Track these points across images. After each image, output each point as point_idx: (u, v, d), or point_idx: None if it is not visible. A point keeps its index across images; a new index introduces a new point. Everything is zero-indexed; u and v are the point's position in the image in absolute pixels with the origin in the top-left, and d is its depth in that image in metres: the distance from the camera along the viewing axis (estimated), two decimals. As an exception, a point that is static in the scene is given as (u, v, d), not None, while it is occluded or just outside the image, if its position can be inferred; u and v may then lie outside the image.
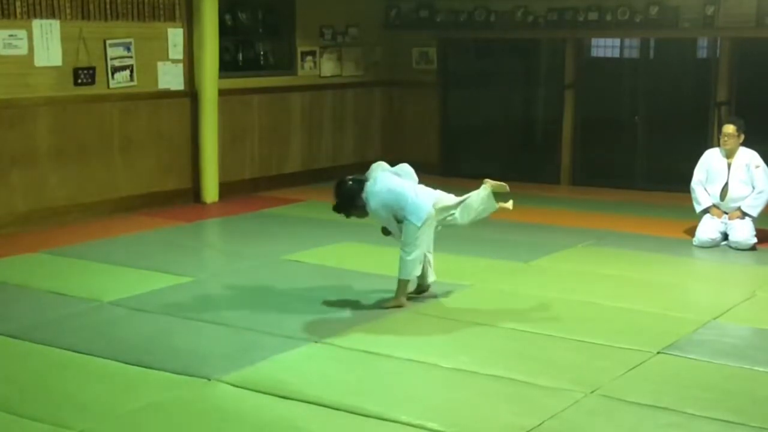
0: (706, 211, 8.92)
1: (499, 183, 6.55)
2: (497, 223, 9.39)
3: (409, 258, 6.43)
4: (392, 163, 6.98)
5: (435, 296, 6.91)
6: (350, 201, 6.48)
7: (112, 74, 9.93)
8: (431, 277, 6.78)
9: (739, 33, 11.14)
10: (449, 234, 8.76)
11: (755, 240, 8.67)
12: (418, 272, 6.54)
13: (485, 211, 6.57)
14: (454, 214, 6.54)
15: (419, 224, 6.39)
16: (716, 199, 8.91)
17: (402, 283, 6.53)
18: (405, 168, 6.69)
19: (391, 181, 6.46)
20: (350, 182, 6.51)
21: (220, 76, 10.76)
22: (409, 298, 6.74)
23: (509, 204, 6.58)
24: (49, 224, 9.41)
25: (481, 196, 6.54)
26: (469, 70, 13.16)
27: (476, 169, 12.31)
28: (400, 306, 6.58)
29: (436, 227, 6.57)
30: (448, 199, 6.56)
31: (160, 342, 5.97)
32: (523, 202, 10.39)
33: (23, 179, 9.31)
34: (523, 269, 7.91)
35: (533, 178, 12.35)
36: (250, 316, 6.49)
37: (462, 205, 6.53)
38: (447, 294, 7.02)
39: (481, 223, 8.93)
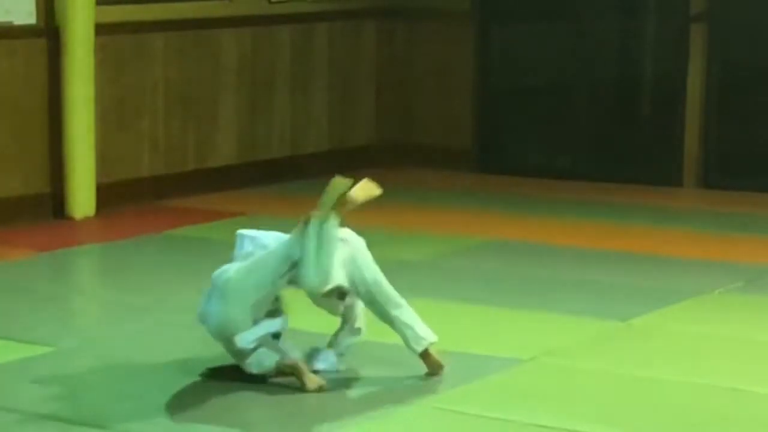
0: None
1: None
2: (576, 255, 8.47)
3: None
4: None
5: (467, 379, 5.90)
6: None
7: None
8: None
9: None
10: (496, 275, 8.15)
11: None
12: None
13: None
14: None
15: None
16: None
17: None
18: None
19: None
20: None
21: (100, 2, 9.24)
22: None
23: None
24: None
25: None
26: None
27: (535, 161, 11.01)
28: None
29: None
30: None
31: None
32: (620, 218, 10.01)
33: None
34: (618, 332, 6.85)
35: (636, 177, 10.40)
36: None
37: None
38: (488, 374, 6.00)
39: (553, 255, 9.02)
